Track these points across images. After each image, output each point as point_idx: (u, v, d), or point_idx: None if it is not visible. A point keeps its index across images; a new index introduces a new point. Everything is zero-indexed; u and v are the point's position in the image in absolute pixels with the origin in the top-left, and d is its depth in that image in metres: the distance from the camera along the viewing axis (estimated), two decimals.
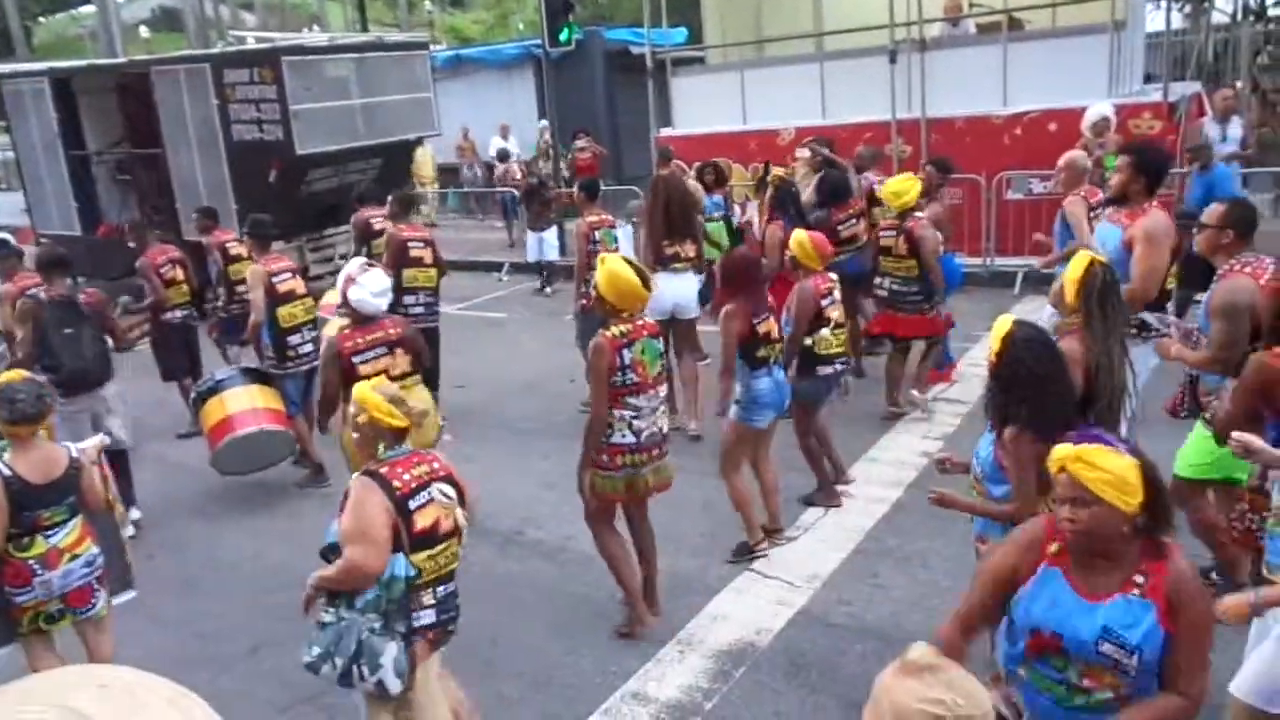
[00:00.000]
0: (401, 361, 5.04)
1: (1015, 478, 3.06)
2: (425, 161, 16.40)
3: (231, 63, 10.56)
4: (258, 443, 6.23)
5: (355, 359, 4.87)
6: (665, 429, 4.46)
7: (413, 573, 3.10)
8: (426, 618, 3.19)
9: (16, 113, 12.71)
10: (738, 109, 11.89)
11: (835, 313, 5.46)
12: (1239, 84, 10.96)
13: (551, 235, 12.04)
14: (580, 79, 16.86)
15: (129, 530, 5.53)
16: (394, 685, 3.10)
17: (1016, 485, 3.07)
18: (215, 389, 5.82)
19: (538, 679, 4.30)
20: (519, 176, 14.78)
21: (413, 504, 3.12)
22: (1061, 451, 2.24)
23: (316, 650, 3.13)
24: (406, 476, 3.16)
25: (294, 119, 10.01)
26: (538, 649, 4.53)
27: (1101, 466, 2.17)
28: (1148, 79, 11.37)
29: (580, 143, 14.91)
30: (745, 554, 5.12)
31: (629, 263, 4.35)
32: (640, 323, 4.31)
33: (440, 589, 3.22)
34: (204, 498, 6.56)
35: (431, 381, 6.31)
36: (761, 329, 4.92)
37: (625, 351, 4.19)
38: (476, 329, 10.38)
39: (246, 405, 6.17)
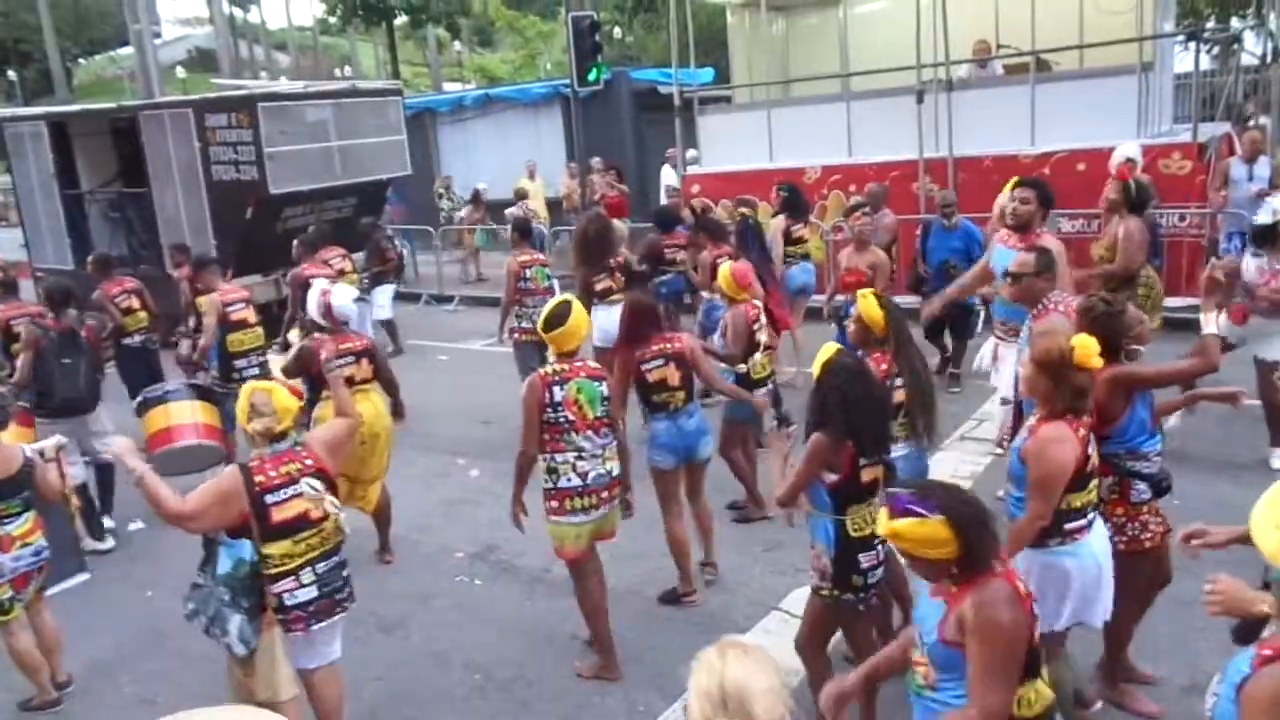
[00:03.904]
0: (366, 369, 5.73)
1: (797, 471, 3.57)
2: (535, 196, 15.91)
3: (212, 108, 11.38)
4: (192, 453, 6.40)
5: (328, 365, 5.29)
6: (615, 471, 4.47)
7: (255, 559, 3.62)
8: (305, 594, 3.65)
9: (16, 154, 13.54)
10: (764, 147, 11.97)
11: (763, 336, 5.77)
12: (1262, 120, 10.89)
13: None
14: (608, 118, 17.05)
15: (108, 543, 6.49)
16: (238, 649, 3.68)
17: (792, 476, 3.59)
18: (163, 399, 6.07)
19: (567, 717, 4.28)
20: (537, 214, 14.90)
21: (270, 499, 3.58)
22: (883, 527, 2.50)
23: (191, 605, 3.75)
24: (272, 473, 3.62)
25: (268, 160, 10.83)
26: (567, 688, 4.51)
27: (911, 537, 2.43)
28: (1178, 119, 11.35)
29: (606, 178, 14.95)
30: (672, 600, 5.16)
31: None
32: (578, 364, 4.42)
33: (321, 565, 3.69)
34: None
35: None
36: (653, 375, 4.96)
37: (555, 389, 4.30)
38: (503, 364, 10.41)
39: (188, 419, 6.35)
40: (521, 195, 15.70)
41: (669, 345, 5.02)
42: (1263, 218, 5.86)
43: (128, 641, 5.28)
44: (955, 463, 6.55)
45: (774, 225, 9.00)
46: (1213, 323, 3.93)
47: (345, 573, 3.83)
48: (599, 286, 7.56)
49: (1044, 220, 5.95)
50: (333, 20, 32.84)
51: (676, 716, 4.16)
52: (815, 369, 3.65)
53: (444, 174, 18.33)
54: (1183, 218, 9.57)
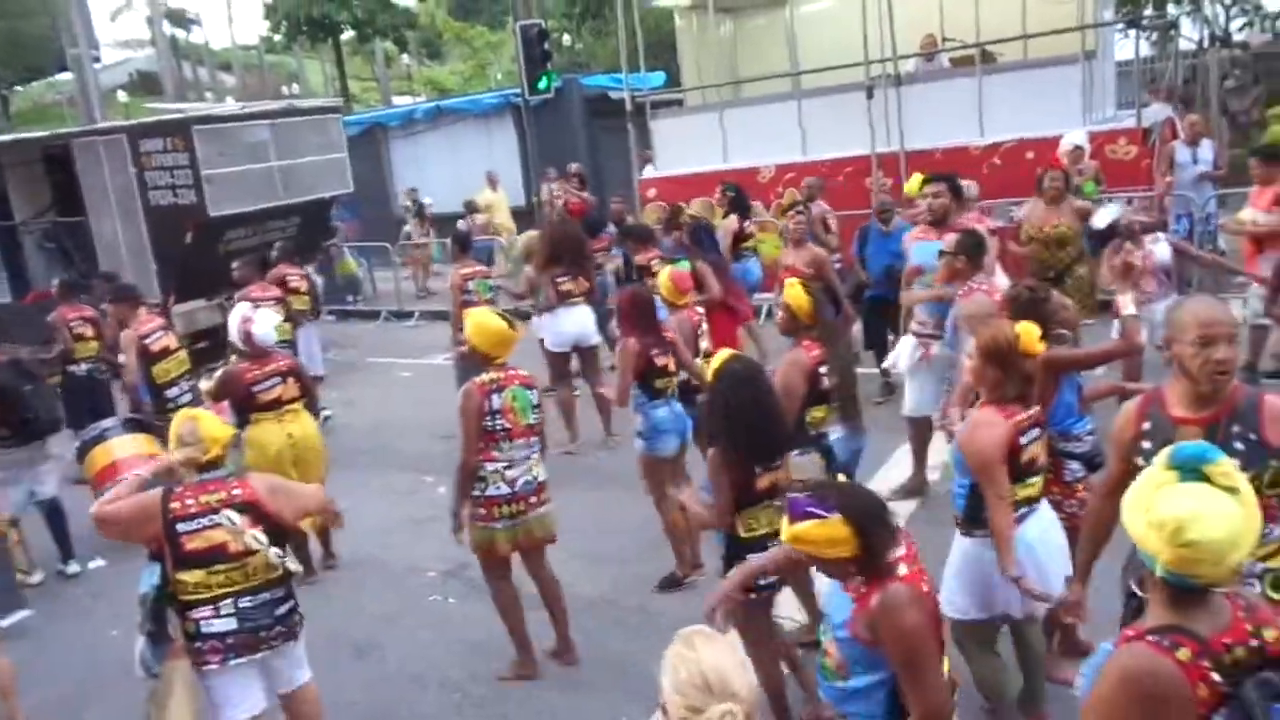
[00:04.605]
0: (292, 389, 5.76)
1: (714, 491, 3.63)
2: (500, 208, 15.76)
3: (146, 133, 11.17)
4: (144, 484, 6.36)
5: (254, 388, 5.56)
6: (541, 478, 4.54)
7: (161, 584, 3.54)
8: (222, 625, 3.53)
9: None
10: (718, 149, 12.00)
11: (704, 343, 5.91)
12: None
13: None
14: (561, 126, 17.03)
15: (36, 576, 6.39)
16: (138, 671, 3.66)
17: (715, 496, 3.64)
18: (101, 438, 6.00)
19: None
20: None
21: (183, 527, 3.48)
22: (785, 533, 2.52)
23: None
24: (190, 501, 3.53)
25: (207, 183, 10.71)
26: (545, 703, 4.48)
27: (811, 539, 2.45)
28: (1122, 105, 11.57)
29: (563, 185, 14.84)
30: (672, 585, 5.25)
31: (495, 311, 4.67)
32: (511, 371, 4.50)
33: (246, 600, 3.55)
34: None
35: None
36: (659, 361, 5.21)
37: (494, 396, 4.37)
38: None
39: (131, 451, 6.27)
40: (471, 208, 15.58)
41: (666, 334, 5.34)
42: (1099, 222, 6.05)
43: (90, 678, 5.14)
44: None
45: (726, 225, 9.04)
46: (1130, 304, 4.11)
47: (279, 611, 3.63)
48: (562, 289, 7.70)
49: (959, 212, 6.21)
50: (278, 38, 32.46)
51: None
52: (709, 375, 3.77)
53: (408, 187, 18.01)
54: (1130, 202, 9.73)
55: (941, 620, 2.44)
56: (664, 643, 2.17)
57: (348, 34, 30.83)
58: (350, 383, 10.93)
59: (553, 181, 14.44)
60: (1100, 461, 3.82)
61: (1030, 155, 9.69)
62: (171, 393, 7.08)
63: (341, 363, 11.88)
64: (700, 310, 6.04)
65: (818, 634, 2.94)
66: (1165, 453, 1.95)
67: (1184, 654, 1.82)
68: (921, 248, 5.95)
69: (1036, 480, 3.49)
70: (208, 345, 10.53)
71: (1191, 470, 1.89)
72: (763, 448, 3.65)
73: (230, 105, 17.63)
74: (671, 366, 5.30)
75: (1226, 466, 1.89)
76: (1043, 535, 3.51)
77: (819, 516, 2.44)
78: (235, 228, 11.26)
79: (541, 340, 8.26)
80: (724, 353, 3.85)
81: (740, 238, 9.00)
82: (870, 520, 2.45)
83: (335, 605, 5.57)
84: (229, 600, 3.53)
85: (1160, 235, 6.41)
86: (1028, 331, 3.37)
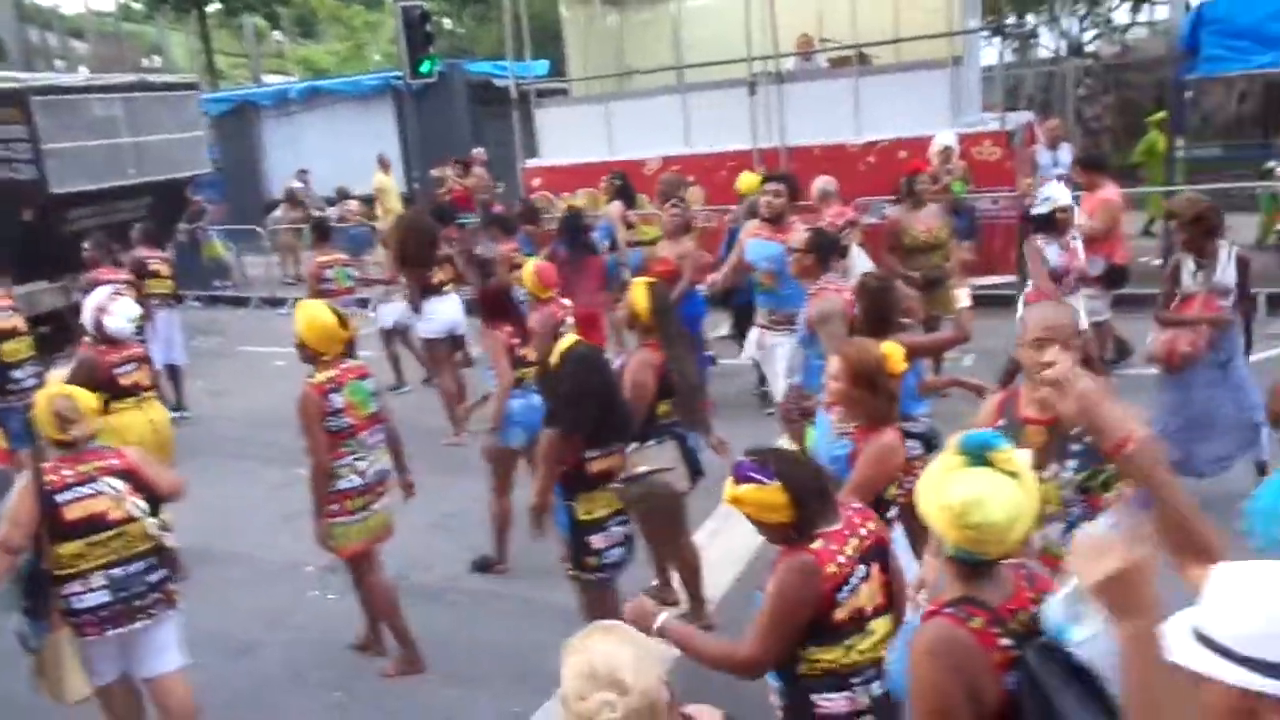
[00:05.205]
0: (146, 375, 5.74)
1: (539, 470, 3.69)
2: (390, 191, 15.31)
3: None
4: None
5: (116, 371, 5.47)
6: (386, 467, 4.56)
7: (34, 558, 3.47)
8: (94, 599, 3.51)
9: None
10: (604, 139, 12.01)
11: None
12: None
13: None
14: (443, 111, 16.69)
15: None
16: (19, 644, 3.59)
17: (540, 477, 3.72)
18: None
19: None
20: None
21: (62, 498, 3.46)
22: (727, 494, 2.59)
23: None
24: (67, 472, 3.52)
25: (48, 158, 10.13)
26: (436, 697, 4.43)
27: (750, 502, 2.54)
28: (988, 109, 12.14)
29: (443, 171, 14.59)
30: (484, 569, 5.43)
31: (326, 305, 4.60)
32: (345, 366, 4.45)
33: (118, 571, 3.54)
34: None
35: None
36: (521, 351, 5.27)
37: (334, 396, 4.31)
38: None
39: None
40: (343, 194, 15.14)
41: (526, 324, 5.33)
42: (1040, 207, 6.34)
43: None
44: None
45: (612, 211, 9.06)
46: (965, 298, 4.50)
47: (153, 578, 3.65)
48: (435, 279, 7.78)
49: (794, 211, 6.46)
50: (138, 6, 30.67)
51: (552, 712, 4.14)
52: (554, 359, 3.86)
53: (298, 169, 17.19)
54: (995, 201, 10.25)
55: (834, 599, 2.51)
56: (550, 633, 2.20)
57: (214, 6, 29.39)
58: (219, 372, 10.49)
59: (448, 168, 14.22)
60: (937, 442, 4.02)
61: (904, 154, 10.06)
62: (17, 374, 6.77)
63: (208, 351, 11.38)
64: (567, 302, 6.03)
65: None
66: (953, 440, 2.12)
67: (977, 622, 2.02)
68: (756, 245, 6.09)
69: (892, 486, 3.58)
70: (51, 329, 9.88)
71: (977, 456, 2.06)
72: (601, 430, 3.72)
73: (79, 76, 16.59)
74: (531, 357, 5.28)
75: (1008, 453, 2.07)
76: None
77: (759, 482, 2.52)
78: (81, 206, 10.66)
79: (387, 330, 8.79)
80: (569, 338, 3.93)
81: (625, 225, 9.01)
82: (807, 491, 2.54)
83: (210, 603, 5.35)
84: (99, 572, 3.52)
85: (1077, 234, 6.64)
86: (894, 352, 3.38)
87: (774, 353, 6.10)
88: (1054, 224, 6.23)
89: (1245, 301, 5.35)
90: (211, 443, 8.11)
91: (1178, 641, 1.57)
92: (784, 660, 2.56)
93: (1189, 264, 5.30)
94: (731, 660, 2.61)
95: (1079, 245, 6.41)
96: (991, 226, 10.33)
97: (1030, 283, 6.41)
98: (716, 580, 5.01)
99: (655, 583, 4.89)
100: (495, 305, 5.41)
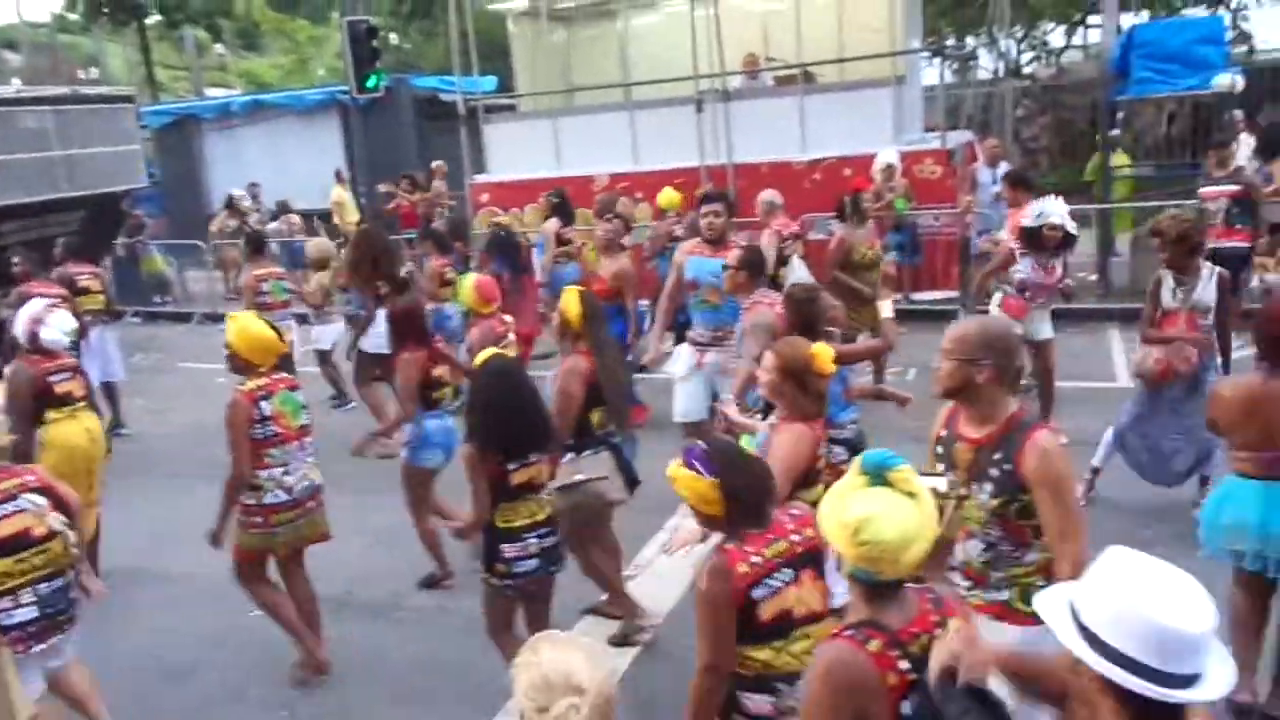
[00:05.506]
0: (80, 386, 5.55)
1: (472, 488, 3.70)
2: (347, 205, 15.11)
3: None
4: None
5: (50, 379, 5.31)
6: (318, 481, 4.52)
7: None
8: (24, 614, 3.54)
9: None
10: (552, 155, 12.03)
11: (511, 352, 5.91)
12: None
13: None
14: (390, 126, 16.58)
15: None
16: None
17: (473, 494, 3.71)
18: None
19: None
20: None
21: None
22: (670, 470, 2.66)
23: None
24: None
25: None
26: (384, 713, 4.37)
27: (684, 487, 2.62)
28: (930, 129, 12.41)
29: (390, 187, 14.47)
30: (432, 584, 5.41)
31: (260, 317, 4.57)
32: (277, 377, 4.44)
33: (44, 586, 3.57)
34: None
35: None
36: (435, 372, 5.23)
37: (264, 403, 4.30)
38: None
39: None
40: (284, 209, 14.97)
41: (438, 343, 5.38)
42: (1032, 221, 6.41)
43: None
44: None
45: (547, 228, 9.07)
46: (888, 309, 4.77)
47: (72, 594, 3.72)
48: (383, 293, 7.54)
49: (732, 229, 6.52)
50: (74, 17, 29.99)
51: None
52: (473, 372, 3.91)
53: (249, 182, 16.80)
54: (937, 218, 10.48)
55: (747, 596, 2.53)
56: (493, 650, 2.18)
57: (155, 18, 28.85)
58: (159, 389, 10.25)
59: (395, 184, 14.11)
60: (862, 447, 4.10)
61: (848, 172, 10.24)
62: None
63: (148, 368, 11.13)
64: (508, 319, 6.00)
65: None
66: (856, 460, 2.17)
67: (874, 645, 2.04)
68: (696, 262, 6.15)
69: (821, 486, 3.61)
70: None
71: (877, 476, 2.10)
72: (517, 442, 3.74)
73: (11, 88, 16.23)
74: (446, 377, 5.28)
75: (907, 473, 2.11)
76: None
77: (698, 472, 2.58)
78: (9, 220, 10.46)
79: (322, 351, 8.74)
80: (490, 351, 3.97)
81: (560, 242, 9.03)
82: (740, 494, 2.58)
83: (147, 624, 5.23)
84: (28, 589, 3.54)
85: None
86: (823, 352, 3.52)
87: (699, 367, 6.09)
88: (1039, 239, 6.37)
89: (1224, 319, 5.34)
90: (150, 460, 7.92)
91: (1056, 616, 1.74)
92: (732, 660, 2.58)
93: (1169, 281, 5.37)
94: (697, 674, 2.60)
95: (1059, 265, 6.53)
96: (933, 242, 10.56)
97: (999, 293, 6.68)
98: (665, 594, 5.03)
99: (604, 597, 4.87)
100: (403, 326, 5.30)
